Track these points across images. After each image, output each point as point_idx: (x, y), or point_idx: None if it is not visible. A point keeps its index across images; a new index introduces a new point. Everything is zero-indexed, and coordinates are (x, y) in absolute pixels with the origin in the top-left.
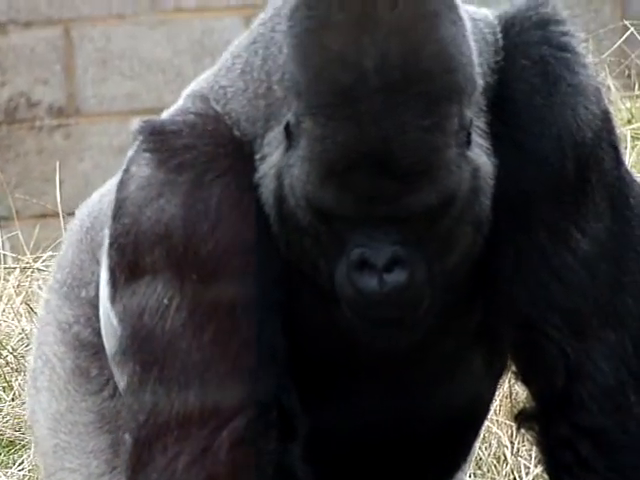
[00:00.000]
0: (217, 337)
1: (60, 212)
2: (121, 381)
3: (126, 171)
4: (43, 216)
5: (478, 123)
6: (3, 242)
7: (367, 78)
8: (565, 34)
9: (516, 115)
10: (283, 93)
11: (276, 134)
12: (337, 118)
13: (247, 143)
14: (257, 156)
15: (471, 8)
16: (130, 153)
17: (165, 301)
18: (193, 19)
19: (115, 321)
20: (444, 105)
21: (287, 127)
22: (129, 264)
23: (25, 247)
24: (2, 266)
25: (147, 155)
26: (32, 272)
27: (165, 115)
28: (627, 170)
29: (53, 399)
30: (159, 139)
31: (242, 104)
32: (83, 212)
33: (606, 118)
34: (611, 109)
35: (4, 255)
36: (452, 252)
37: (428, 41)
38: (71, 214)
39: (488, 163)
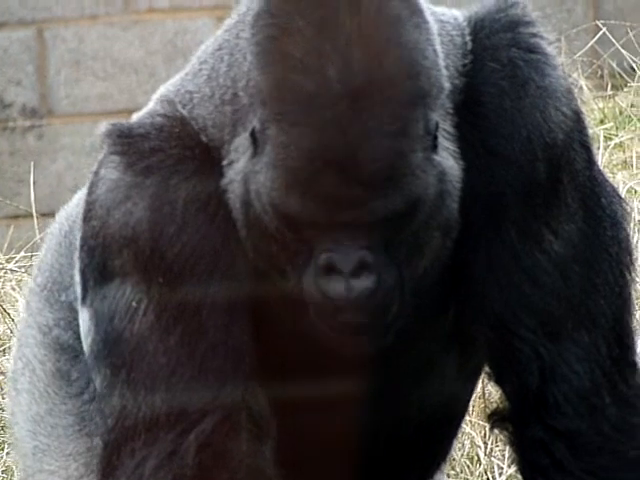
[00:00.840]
0: (183, 340)
1: (34, 213)
2: (96, 385)
3: (95, 174)
4: (16, 217)
5: (445, 126)
6: None
7: (330, 85)
8: (534, 35)
9: (486, 118)
10: (248, 100)
11: (242, 140)
12: (301, 125)
13: (214, 149)
14: (224, 162)
15: (440, 9)
16: (100, 156)
17: (134, 304)
18: (166, 20)
19: (87, 324)
20: (408, 110)
21: (253, 133)
22: (98, 266)
23: None
24: None
25: (115, 158)
26: (5, 273)
27: (134, 118)
28: (599, 170)
29: (33, 401)
30: (126, 142)
31: (209, 110)
32: (62, 215)
33: (577, 118)
34: (583, 109)
35: None
36: (421, 256)
37: (391, 46)
38: (45, 215)
39: (455, 167)
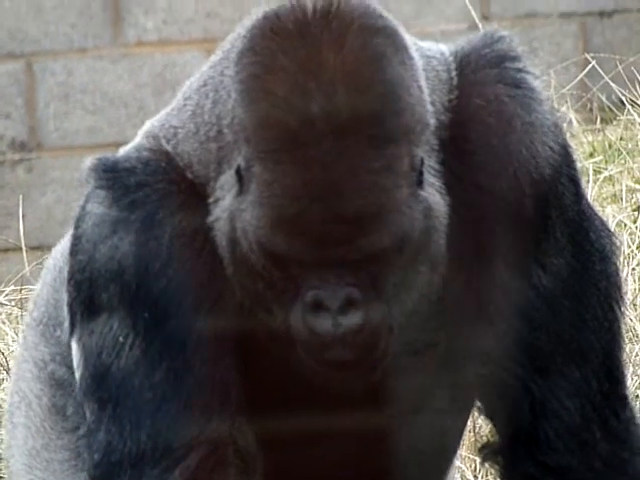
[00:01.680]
0: (169, 376)
1: (23, 246)
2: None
3: (82, 208)
4: (6, 250)
5: (430, 162)
6: None
7: (314, 122)
8: (520, 71)
9: (473, 155)
10: (233, 137)
11: (228, 177)
12: (285, 163)
13: (199, 185)
14: (211, 199)
15: (426, 44)
16: (86, 190)
17: (120, 339)
18: (155, 53)
19: (76, 358)
20: (393, 147)
21: (238, 171)
22: (85, 300)
23: None
24: None
25: (101, 192)
26: None
27: (120, 152)
28: (588, 204)
29: (29, 435)
30: (112, 176)
31: (194, 147)
32: (57, 250)
33: (565, 152)
34: (572, 143)
35: None
36: (408, 293)
37: (375, 83)
38: (34, 248)
39: (441, 202)
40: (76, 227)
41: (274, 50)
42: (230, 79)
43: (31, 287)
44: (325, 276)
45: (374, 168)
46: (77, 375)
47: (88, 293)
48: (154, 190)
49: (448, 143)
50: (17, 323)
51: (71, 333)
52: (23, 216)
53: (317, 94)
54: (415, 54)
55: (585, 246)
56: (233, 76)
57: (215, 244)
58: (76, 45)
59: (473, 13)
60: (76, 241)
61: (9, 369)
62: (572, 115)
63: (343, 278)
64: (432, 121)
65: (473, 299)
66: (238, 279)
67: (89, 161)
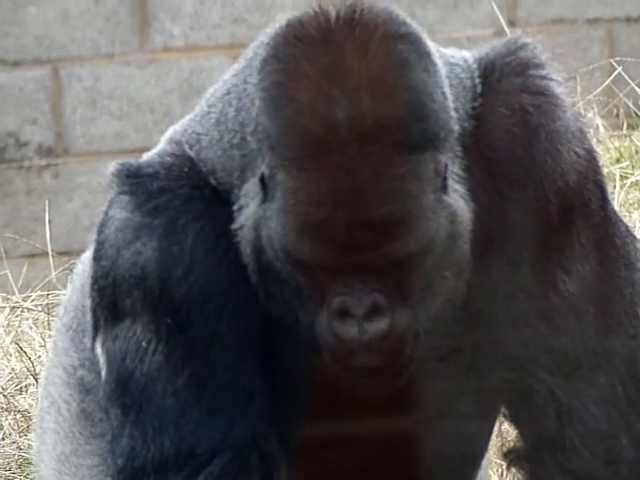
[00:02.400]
0: (192, 381)
1: (49, 251)
2: (89, 434)
3: (105, 213)
4: (32, 256)
5: (453, 168)
6: None
7: (339, 129)
8: (544, 78)
9: (498, 164)
10: (256, 144)
11: (252, 185)
12: (310, 170)
13: (223, 191)
14: (234, 207)
15: (449, 51)
16: (110, 195)
17: (144, 344)
18: (181, 59)
19: (101, 362)
20: (418, 153)
21: (262, 179)
22: (109, 306)
23: (14, 286)
24: None
25: (124, 198)
26: (22, 311)
27: (143, 158)
28: (613, 210)
29: (58, 441)
30: (135, 182)
31: (217, 154)
32: (86, 256)
33: (591, 158)
34: (598, 149)
35: None
36: (433, 298)
37: (399, 90)
38: (60, 253)
39: (465, 208)
40: (99, 232)
41: (298, 57)
42: (253, 87)
43: (58, 292)
44: (351, 282)
45: (399, 174)
46: (101, 381)
47: (111, 298)
48: (177, 195)
49: (472, 151)
50: (44, 328)
51: (94, 338)
52: (50, 221)
53: (341, 101)
54: (438, 61)
55: (610, 252)
56: (256, 84)
57: (238, 250)
58: (103, 51)
59: (500, 19)
60: (99, 246)
61: (36, 374)
62: (598, 121)
63: (369, 284)
64: (456, 127)
65: (499, 305)
66: (263, 287)
67: (112, 166)
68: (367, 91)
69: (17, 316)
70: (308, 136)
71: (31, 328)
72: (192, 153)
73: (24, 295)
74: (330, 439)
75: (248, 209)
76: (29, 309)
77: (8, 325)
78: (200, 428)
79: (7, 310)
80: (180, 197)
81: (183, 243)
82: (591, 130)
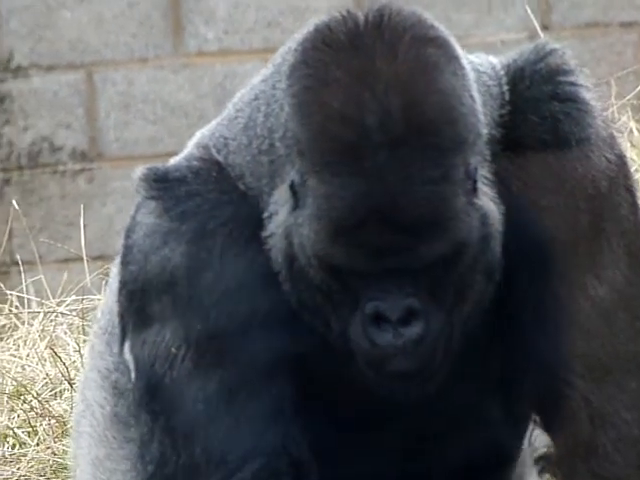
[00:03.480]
0: (222, 388)
1: (84, 256)
2: (122, 438)
3: (133, 218)
4: (67, 260)
5: (482, 172)
6: (27, 286)
7: (370, 133)
8: (573, 84)
9: (530, 172)
10: (286, 150)
11: (282, 193)
12: (342, 175)
13: (252, 197)
14: (265, 214)
15: (476, 58)
16: (137, 200)
17: (173, 350)
18: (215, 63)
19: (130, 366)
20: (449, 156)
21: (292, 186)
22: (137, 311)
23: (49, 291)
24: (26, 310)
25: (151, 202)
26: (56, 316)
27: (171, 162)
28: None
29: (93, 444)
30: (163, 186)
31: (246, 159)
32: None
33: (622, 163)
34: (632, 153)
35: (28, 299)
36: (465, 301)
37: (429, 93)
38: (95, 258)
39: (496, 210)
40: (127, 237)
41: (327, 62)
42: (282, 92)
43: (92, 297)
44: (385, 287)
45: (431, 177)
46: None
47: (140, 303)
48: (205, 200)
49: (502, 158)
50: (78, 333)
51: (122, 343)
52: (84, 226)
53: (372, 105)
54: (466, 64)
55: None
56: (285, 89)
57: (267, 255)
58: (137, 55)
59: (534, 22)
60: (127, 251)
61: (71, 380)
62: (633, 125)
63: (403, 288)
64: (484, 132)
65: (529, 311)
66: (296, 294)
67: (139, 171)
68: (397, 95)
69: (52, 321)
70: (339, 141)
71: (65, 333)
72: (220, 157)
73: (58, 300)
74: (360, 443)
75: (278, 216)
76: (63, 314)
77: (43, 330)
78: (230, 435)
79: (42, 315)
80: (208, 202)
81: (212, 248)
82: (625, 134)
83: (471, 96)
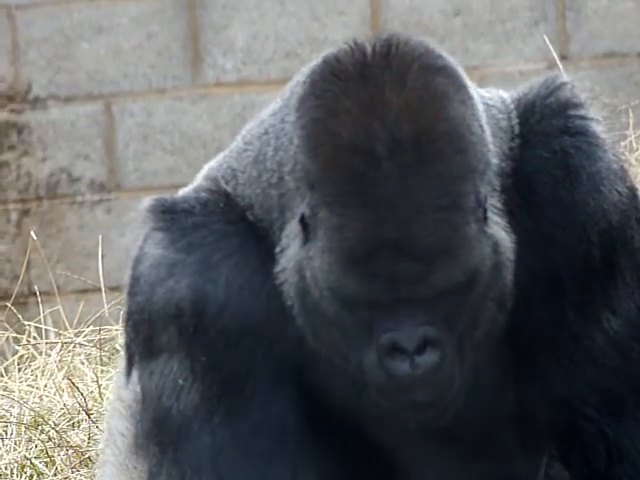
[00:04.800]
0: (228, 420)
1: (102, 287)
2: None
3: (140, 248)
4: (85, 291)
5: (492, 202)
6: (45, 317)
7: (380, 163)
8: (584, 118)
9: (540, 207)
10: (295, 184)
11: (292, 227)
12: (353, 205)
13: (261, 228)
14: (276, 249)
15: (486, 93)
16: (144, 231)
17: (180, 381)
18: (234, 93)
19: (129, 397)
20: (459, 184)
21: (302, 219)
22: (144, 341)
23: (67, 322)
24: (44, 341)
25: (158, 234)
26: (74, 347)
27: (179, 194)
28: None
29: (115, 473)
30: (169, 217)
31: (256, 192)
32: None
33: (632, 196)
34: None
35: (46, 330)
36: (477, 328)
37: (438, 121)
38: (113, 289)
39: (507, 239)
40: (133, 268)
41: (336, 93)
42: (291, 125)
43: (110, 327)
44: (399, 317)
45: (442, 205)
46: (136, 417)
47: (146, 334)
48: (211, 231)
49: (512, 192)
50: (96, 364)
51: (128, 373)
52: (102, 257)
53: (382, 134)
54: (475, 94)
55: None
56: (294, 122)
57: (274, 285)
58: (155, 86)
59: (553, 52)
60: (134, 282)
61: (88, 410)
62: None
63: (417, 318)
64: (494, 161)
65: (543, 345)
66: (310, 328)
67: (147, 201)
68: (407, 124)
69: (69, 352)
70: (349, 171)
71: (83, 364)
72: (229, 188)
73: (76, 330)
74: (371, 474)
75: (289, 251)
76: (81, 344)
77: (60, 361)
78: (238, 467)
79: (59, 346)
80: (214, 233)
81: (217, 280)
82: None
83: (480, 125)
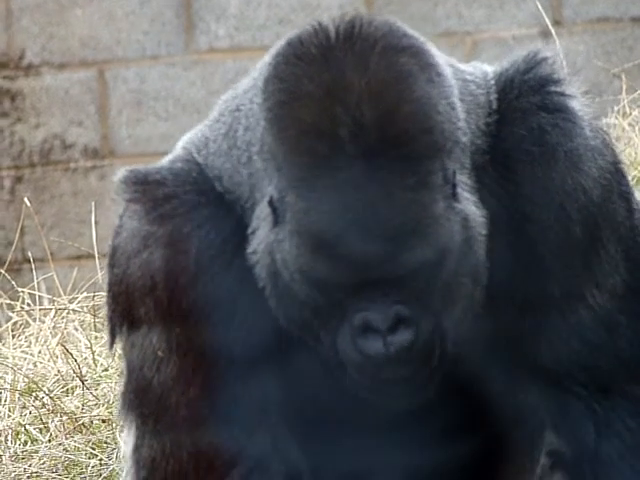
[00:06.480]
0: (204, 392)
1: (95, 254)
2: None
3: (120, 218)
4: (78, 258)
5: (462, 178)
6: (39, 284)
7: (344, 146)
8: (562, 95)
9: (518, 185)
10: (263, 165)
11: (262, 209)
12: (319, 189)
13: (230, 201)
14: (248, 230)
15: (468, 67)
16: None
17: (159, 353)
18: (226, 59)
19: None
20: (425, 163)
21: (271, 202)
22: (123, 313)
23: (60, 288)
24: (38, 307)
25: (132, 205)
26: (68, 313)
27: (156, 164)
28: None
29: None
30: (141, 189)
31: (225, 166)
32: None
33: (614, 170)
34: (639, 146)
35: (40, 296)
36: (453, 305)
37: (401, 103)
38: (106, 255)
39: (477, 213)
40: (113, 239)
41: (299, 76)
42: (258, 107)
43: (103, 294)
44: (370, 297)
45: (408, 185)
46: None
47: (126, 306)
48: (182, 202)
49: (489, 168)
50: (90, 330)
51: (110, 345)
52: (96, 223)
53: (345, 118)
54: (446, 71)
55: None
56: (261, 104)
57: (245, 254)
58: (148, 52)
59: (545, 18)
60: (112, 253)
61: (82, 376)
62: None
63: (389, 297)
64: (464, 139)
65: (531, 322)
66: (282, 310)
67: (120, 173)
68: (369, 106)
69: (63, 318)
70: (314, 155)
71: (77, 330)
72: (200, 158)
73: (70, 297)
74: (353, 446)
75: (260, 232)
76: (75, 311)
77: (54, 327)
78: (216, 439)
79: (53, 312)
80: (185, 204)
81: (188, 251)
82: (636, 128)
83: (449, 103)
